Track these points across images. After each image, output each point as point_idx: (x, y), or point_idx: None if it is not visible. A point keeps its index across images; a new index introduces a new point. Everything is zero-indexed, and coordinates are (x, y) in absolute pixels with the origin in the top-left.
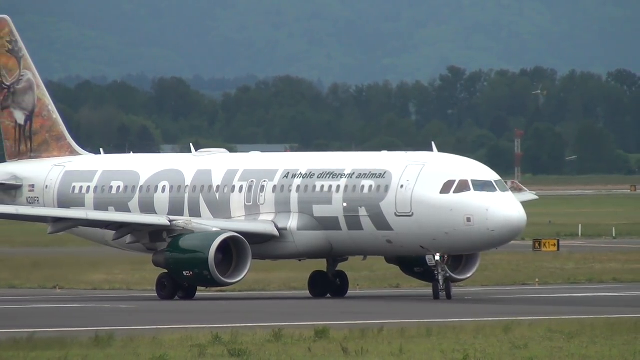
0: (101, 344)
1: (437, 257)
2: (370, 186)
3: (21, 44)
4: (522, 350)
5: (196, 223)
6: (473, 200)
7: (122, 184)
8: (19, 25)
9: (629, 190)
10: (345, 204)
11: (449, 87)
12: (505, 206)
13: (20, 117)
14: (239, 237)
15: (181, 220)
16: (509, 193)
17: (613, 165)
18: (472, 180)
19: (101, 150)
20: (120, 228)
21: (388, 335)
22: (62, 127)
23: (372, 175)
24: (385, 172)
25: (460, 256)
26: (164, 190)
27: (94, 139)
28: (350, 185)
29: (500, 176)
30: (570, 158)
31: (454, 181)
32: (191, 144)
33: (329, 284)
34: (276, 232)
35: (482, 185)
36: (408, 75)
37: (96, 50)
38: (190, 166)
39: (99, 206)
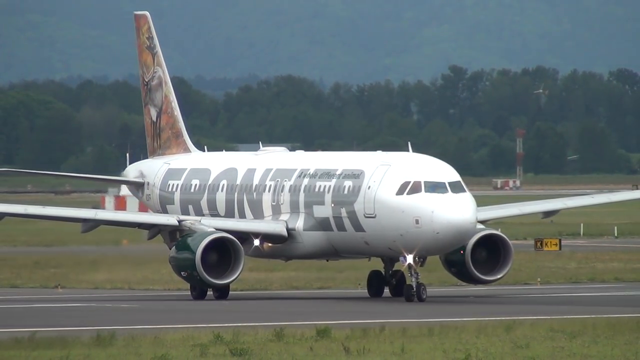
0: (103, 343)
1: (410, 260)
2: (349, 187)
3: (156, 40)
4: (524, 349)
5: (200, 223)
6: (421, 202)
7: (198, 183)
8: (20, 25)
9: (631, 190)
10: (332, 205)
11: (450, 87)
12: (451, 209)
13: (153, 113)
14: (230, 237)
15: (188, 221)
16: (463, 195)
17: (614, 165)
18: (424, 182)
19: (205, 147)
20: (151, 228)
21: (390, 335)
22: (181, 124)
23: (352, 175)
24: (360, 173)
25: (497, 257)
26: (222, 189)
27: (96, 139)
28: (336, 186)
29: (502, 175)
30: (572, 157)
31: (409, 182)
32: (260, 142)
33: (385, 284)
34: (285, 233)
35: (434, 187)
36: (410, 75)
37: (98, 49)
38: (244, 165)
39: (183, 204)
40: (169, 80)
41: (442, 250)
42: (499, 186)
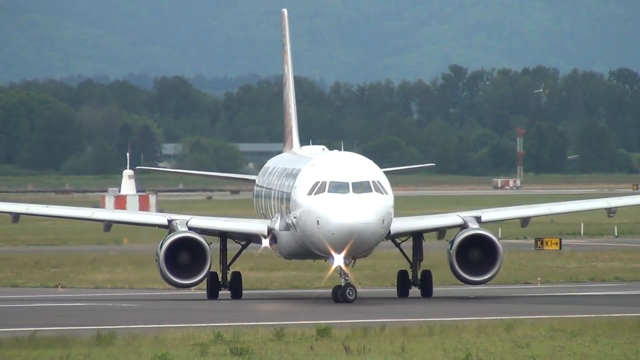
0: (103, 342)
1: (339, 261)
2: (289, 186)
3: (287, 38)
4: (524, 349)
5: (185, 224)
6: (321, 202)
7: (261, 181)
8: (21, 25)
9: (631, 189)
10: (283, 205)
11: (451, 86)
12: (345, 210)
13: (283, 110)
14: (194, 237)
15: (176, 220)
16: (366, 195)
17: (615, 164)
18: (329, 182)
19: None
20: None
21: (390, 334)
22: (293, 122)
23: (292, 175)
24: (298, 173)
25: (489, 258)
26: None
27: (96, 138)
28: (289, 185)
29: (503, 175)
30: (572, 157)
31: (318, 183)
32: (310, 141)
33: (411, 284)
34: (265, 233)
35: (337, 187)
36: (410, 74)
37: (98, 49)
38: (278, 165)
39: (256, 203)
40: (291, 78)
41: (340, 252)
42: (499, 185)
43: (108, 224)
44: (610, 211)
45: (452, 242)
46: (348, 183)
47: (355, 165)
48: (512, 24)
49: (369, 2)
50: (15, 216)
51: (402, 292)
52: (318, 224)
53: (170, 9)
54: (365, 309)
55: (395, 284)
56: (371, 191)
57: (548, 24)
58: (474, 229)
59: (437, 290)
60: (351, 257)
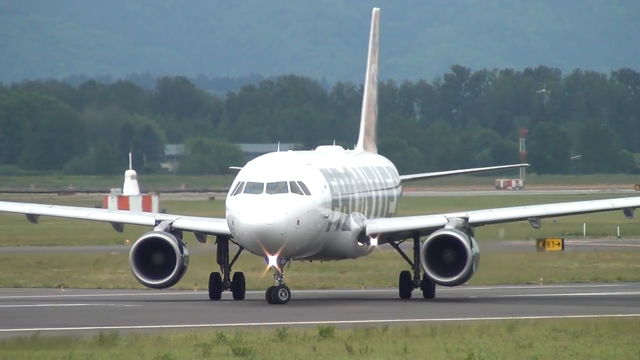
0: (106, 343)
1: (273, 262)
2: None
3: (371, 36)
4: (527, 349)
5: (170, 224)
6: (236, 203)
7: None
8: (23, 25)
9: (634, 190)
10: None
11: (453, 87)
12: (252, 211)
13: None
14: (161, 238)
15: (163, 221)
16: (279, 196)
17: (617, 165)
18: (247, 182)
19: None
20: None
21: (392, 335)
22: (362, 122)
23: None
24: None
25: (460, 259)
26: None
27: (99, 138)
28: None
29: (505, 175)
30: (575, 157)
31: (239, 183)
32: (334, 141)
33: (413, 286)
34: None
35: (252, 188)
36: (412, 75)
37: (100, 49)
38: None
39: None
40: (368, 77)
41: (257, 252)
42: (501, 186)
43: (118, 225)
44: (626, 212)
45: (423, 243)
46: (262, 184)
47: (277, 166)
48: (514, 25)
49: (371, 2)
50: (31, 216)
51: (405, 293)
52: (233, 224)
53: (173, 9)
54: (367, 309)
55: (397, 284)
56: (287, 192)
57: (550, 24)
58: (445, 230)
59: (439, 291)
60: (285, 259)
